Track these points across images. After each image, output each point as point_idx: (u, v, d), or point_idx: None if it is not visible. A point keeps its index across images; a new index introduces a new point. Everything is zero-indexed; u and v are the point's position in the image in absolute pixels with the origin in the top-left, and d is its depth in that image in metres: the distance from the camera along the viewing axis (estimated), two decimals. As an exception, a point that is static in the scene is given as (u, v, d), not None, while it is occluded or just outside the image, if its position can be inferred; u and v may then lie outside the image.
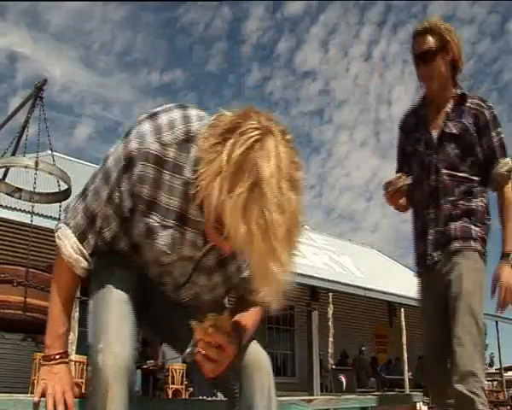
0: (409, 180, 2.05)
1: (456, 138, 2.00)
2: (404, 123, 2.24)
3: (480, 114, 2.01)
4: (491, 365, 40.78)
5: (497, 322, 16.07)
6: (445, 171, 2.01)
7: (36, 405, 1.14)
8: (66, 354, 1.21)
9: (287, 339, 13.46)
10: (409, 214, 2.20)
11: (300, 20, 62.94)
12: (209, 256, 1.15)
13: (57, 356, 1.18)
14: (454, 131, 2.01)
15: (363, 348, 12.23)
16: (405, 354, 12.18)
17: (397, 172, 2.19)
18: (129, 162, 1.06)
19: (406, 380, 11.98)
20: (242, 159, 0.89)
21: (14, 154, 5.96)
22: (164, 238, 1.10)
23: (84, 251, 1.17)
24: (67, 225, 1.18)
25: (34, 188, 4.99)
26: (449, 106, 2.05)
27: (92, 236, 1.15)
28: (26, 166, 5.08)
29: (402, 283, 14.47)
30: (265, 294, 0.95)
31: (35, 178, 4.94)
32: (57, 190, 5.36)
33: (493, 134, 2.01)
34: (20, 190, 5.74)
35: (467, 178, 2.01)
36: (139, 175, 1.06)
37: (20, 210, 7.36)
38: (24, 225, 6.70)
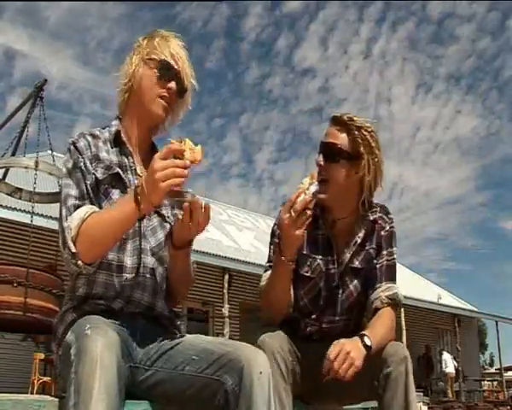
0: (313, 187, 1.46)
1: (359, 273, 1.68)
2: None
3: (381, 230, 1.70)
4: (491, 365, 40.80)
5: (497, 322, 16.07)
6: (343, 317, 1.68)
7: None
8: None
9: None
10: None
11: (299, 17, 63.10)
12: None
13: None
14: (357, 264, 1.68)
15: (363, 348, 12.21)
16: (405, 354, 12.17)
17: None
18: (74, 145, 1.34)
19: (406, 380, 11.98)
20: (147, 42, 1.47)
21: (14, 153, 5.97)
22: (116, 194, 1.34)
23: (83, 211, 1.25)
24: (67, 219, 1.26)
25: (34, 188, 4.99)
26: (359, 234, 1.67)
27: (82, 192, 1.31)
28: (26, 167, 5.09)
29: (402, 283, 14.45)
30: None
31: (35, 179, 4.94)
32: (57, 190, 5.37)
33: (384, 253, 1.68)
34: (20, 190, 5.75)
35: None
36: (84, 144, 1.35)
37: (20, 210, 7.37)
38: (24, 225, 6.70)
